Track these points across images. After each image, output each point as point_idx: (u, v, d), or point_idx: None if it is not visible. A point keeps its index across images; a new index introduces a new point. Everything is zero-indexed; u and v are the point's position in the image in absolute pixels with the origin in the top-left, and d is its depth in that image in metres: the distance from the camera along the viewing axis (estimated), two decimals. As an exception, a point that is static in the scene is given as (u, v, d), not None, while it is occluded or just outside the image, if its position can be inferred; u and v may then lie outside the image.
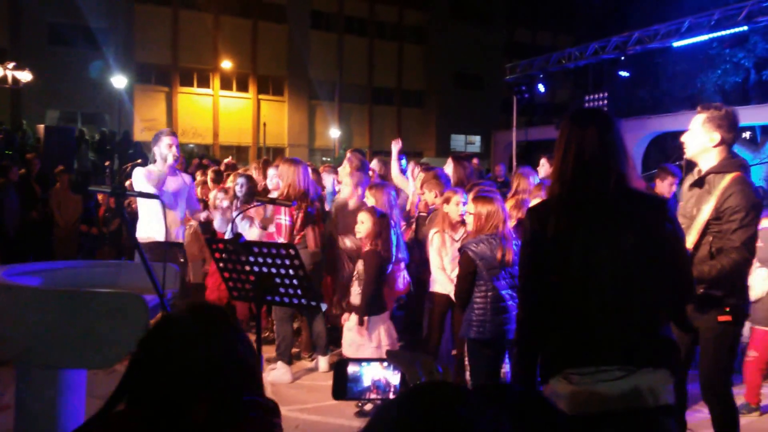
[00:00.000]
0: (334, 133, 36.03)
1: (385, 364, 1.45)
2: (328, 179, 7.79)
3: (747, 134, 21.01)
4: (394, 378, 1.43)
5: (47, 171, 11.58)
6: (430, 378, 1.30)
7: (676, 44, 15.26)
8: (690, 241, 3.63)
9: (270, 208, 6.17)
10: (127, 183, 9.18)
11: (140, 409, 1.49)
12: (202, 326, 1.56)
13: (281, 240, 5.74)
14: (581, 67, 18.61)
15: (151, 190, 5.51)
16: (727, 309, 3.66)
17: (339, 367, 1.50)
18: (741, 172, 3.68)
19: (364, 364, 1.49)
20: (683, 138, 3.80)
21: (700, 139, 3.71)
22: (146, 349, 1.55)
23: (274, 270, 3.55)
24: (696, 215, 3.69)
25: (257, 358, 1.60)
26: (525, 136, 23.65)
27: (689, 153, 3.82)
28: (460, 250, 4.60)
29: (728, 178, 3.61)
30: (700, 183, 3.73)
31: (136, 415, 1.48)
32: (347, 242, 5.99)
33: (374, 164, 7.65)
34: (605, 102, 18.18)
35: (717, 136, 3.66)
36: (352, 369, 1.49)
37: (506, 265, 4.44)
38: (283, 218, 5.87)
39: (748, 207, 3.55)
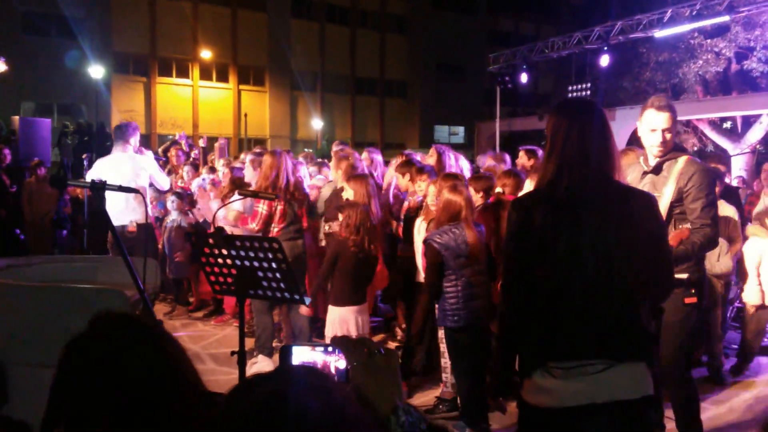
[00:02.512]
0: (317, 123, 35.92)
1: (330, 348, 1.44)
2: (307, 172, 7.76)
3: (728, 124, 21.20)
4: (339, 363, 1.42)
5: (22, 164, 11.37)
6: (368, 360, 1.29)
7: (658, 34, 15.32)
8: None
9: (249, 200, 6.09)
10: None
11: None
12: (106, 338, 1.52)
13: (253, 225, 5.69)
14: (564, 56, 18.64)
15: None
16: (693, 291, 3.80)
17: (284, 352, 1.49)
18: (688, 154, 3.94)
19: (308, 349, 1.48)
20: (659, 138, 3.82)
21: (672, 135, 3.84)
22: (62, 373, 1.51)
23: (256, 264, 3.50)
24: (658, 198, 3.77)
25: (180, 358, 1.54)
26: (508, 126, 23.72)
27: (664, 152, 3.86)
28: (424, 241, 4.64)
29: (682, 160, 3.80)
30: (657, 170, 3.86)
31: None
32: (330, 226, 5.98)
33: (364, 156, 7.62)
34: (588, 92, 18.25)
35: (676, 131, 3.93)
36: (296, 354, 1.48)
37: (472, 252, 4.46)
38: (261, 206, 5.80)
39: (710, 185, 3.76)
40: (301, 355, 1.47)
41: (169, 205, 7.79)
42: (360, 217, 4.92)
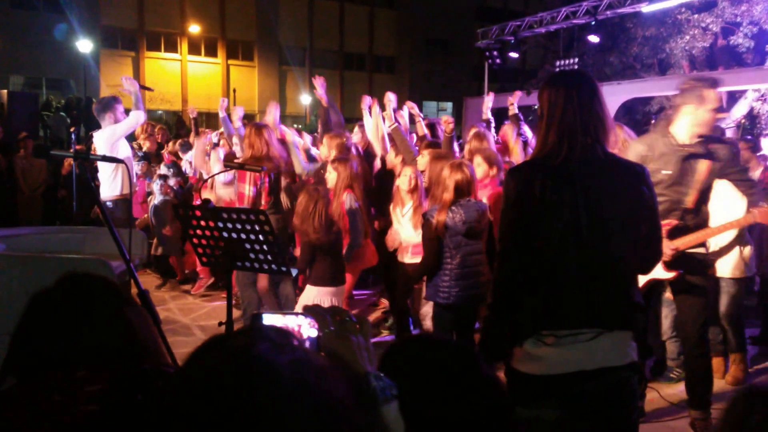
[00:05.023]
0: (305, 99, 35.69)
1: (302, 317, 1.43)
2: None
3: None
4: (311, 330, 1.40)
5: (10, 138, 11.35)
6: (340, 327, 1.31)
7: (645, 9, 15.30)
8: (690, 200, 3.92)
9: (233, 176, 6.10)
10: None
11: (30, 383, 1.45)
12: (74, 299, 1.55)
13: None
14: (552, 32, 18.60)
15: None
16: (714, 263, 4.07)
17: (255, 320, 1.48)
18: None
19: (280, 317, 1.47)
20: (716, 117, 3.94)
21: None
22: (24, 322, 1.54)
23: (243, 236, 3.53)
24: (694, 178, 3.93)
25: (150, 329, 1.58)
26: (496, 102, 23.64)
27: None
28: (423, 216, 4.59)
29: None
30: (710, 154, 3.93)
31: (27, 390, 1.44)
32: None
33: (355, 132, 7.65)
34: (576, 67, 18.21)
35: None
36: (267, 321, 1.46)
37: (470, 231, 4.41)
38: (247, 187, 5.79)
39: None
40: (273, 322, 1.45)
41: (155, 188, 7.86)
42: (310, 202, 4.77)
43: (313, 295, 4.79)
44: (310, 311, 1.38)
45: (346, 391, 0.96)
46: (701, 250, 3.94)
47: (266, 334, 0.96)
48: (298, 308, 4.93)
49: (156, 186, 7.87)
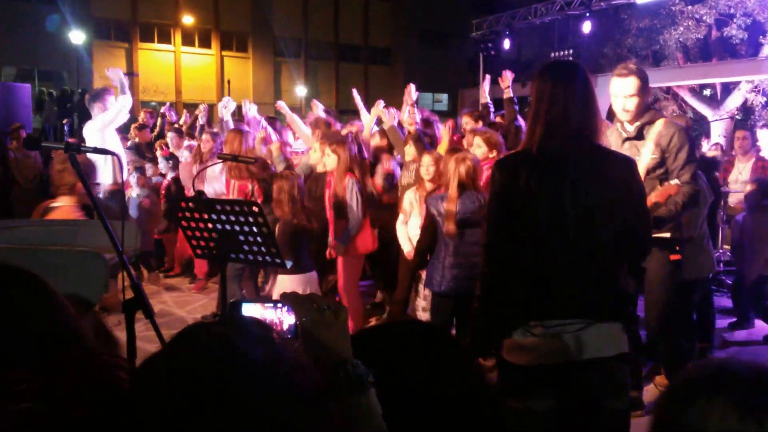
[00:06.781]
0: (301, 90, 35.59)
1: (279, 305, 1.45)
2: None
3: (707, 91, 21.25)
4: (288, 319, 1.42)
5: (3, 129, 11.29)
6: (317, 315, 1.30)
7: (639, 0, 15.29)
8: None
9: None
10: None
11: None
12: None
13: None
14: (547, 23, 18.58)
15: None
16: (678, 248, 3.91)
17: (233, 308, 1.49)
18: (664, 116, 4.04)
19: (258, 305, 1.47)
20: (621, 105, 3.86)
21: (640, 100, 3.86)
22: None
23: (237, 228, 3.53)
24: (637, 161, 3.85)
25: (66, 315, 1.46)
26: (492, 93, 23.63)
27: (632, 117, 3.90)
28: (426, 203, 4.75)
29: (660, 123, 3.87)
30: (640, 136, 3.90)
31: None
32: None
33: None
34: (570, 59, 18.20)
35: (648, 95, 3.94)
36: (246, 310, 1.47)
37: (465, 221, 4.47)
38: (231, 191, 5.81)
39: (691, 145, 3.83)
40: (251, 311, 1.46)
41: (132, 180, 7.88)
42: (289, 186, 4.94)
43: (286, 284, 4.83)
44: (288, 299, 1.37)
45: (319, 386, 0.95)
46: (665, 234, 3.82)
47: (246, 326, 0.96)
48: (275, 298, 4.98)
49: (133, 178, 7.86)
